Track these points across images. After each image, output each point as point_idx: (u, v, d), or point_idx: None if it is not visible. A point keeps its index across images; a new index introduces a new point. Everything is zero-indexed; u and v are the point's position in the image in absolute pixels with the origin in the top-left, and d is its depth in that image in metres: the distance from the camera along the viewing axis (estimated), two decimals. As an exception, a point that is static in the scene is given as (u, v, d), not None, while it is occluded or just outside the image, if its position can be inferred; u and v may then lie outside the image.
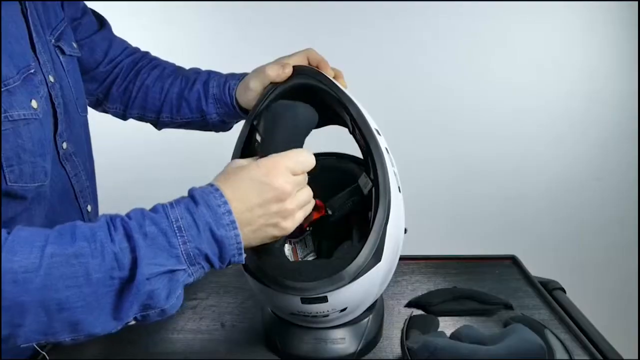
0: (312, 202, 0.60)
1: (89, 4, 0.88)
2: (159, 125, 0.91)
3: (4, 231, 0.48)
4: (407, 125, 1.63)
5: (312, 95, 0.69)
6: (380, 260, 0.61)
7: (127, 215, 0.51)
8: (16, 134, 0.58)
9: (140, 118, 0.91)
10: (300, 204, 0.57)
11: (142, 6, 1.55)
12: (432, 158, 1.72)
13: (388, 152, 0.67)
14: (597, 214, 1.81)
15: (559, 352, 0.66)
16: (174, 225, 0.50)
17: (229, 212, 0.52)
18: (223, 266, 0.54)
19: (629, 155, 1.75)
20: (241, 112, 0.82)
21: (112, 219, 0.50)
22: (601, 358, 0.71)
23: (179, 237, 0.50)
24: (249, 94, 0.77)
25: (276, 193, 0.54)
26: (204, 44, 1.61)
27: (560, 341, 0.69)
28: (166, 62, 0.92)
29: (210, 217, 0.51)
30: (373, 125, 0.67)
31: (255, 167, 0.55)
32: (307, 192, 0.58)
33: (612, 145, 1.75)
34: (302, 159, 0.57)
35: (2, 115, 0.56)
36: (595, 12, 1.63)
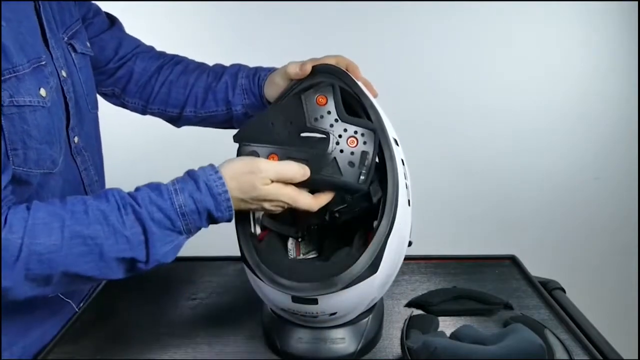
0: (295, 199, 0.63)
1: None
2: (180, 121, 0.92)
3: (23, 207, 0.56)
4: (407, 125, 1.62)
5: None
6: (376, 272, 0.61)
7: (134, 197, 0.59)
8: (22, 119, 0.60)
9: (161, 114, 0.92)
10: (273, 209, 0.64)
11: (143, 6, 1.55)
12: (431, 158, 1.72)
13: (404, 164, 0.67)
14: (597, 214, 1.81)
15: (559, 352, 0.66)
16: (178, 212, 0.59)
17: (228, 199, 0.61)
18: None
19: (629, 155, 1.75)
20: (267, 104, 0.83)
21: (122, 201, 0.58)
22: (601, 358, 0.71)
23: (182, 221, 0.60)
24: (273, 89, 0.79)
25: (255, 194, 0.62)
26: (205, 46, 1.60)
27: (560, 341, 0.69)
28: (188, 58, 0.93)
29: (211, 205, 0.60)
30: (392, 134, 0.67)
31: (243, 168, 0.62)
32: (273, 205, 0.64)
33: (612, 145, 1.75)
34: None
35: (8, 100, 0.59)
36: (596, 12, 1.63)
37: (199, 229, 0.63)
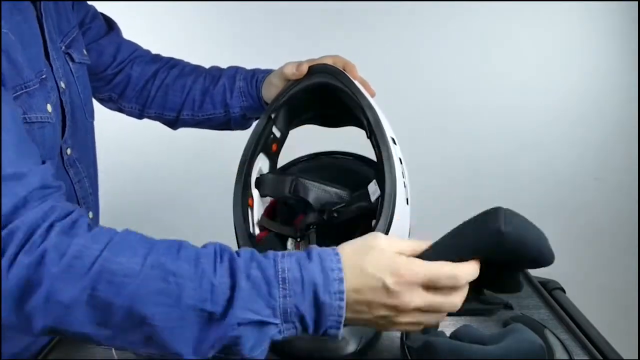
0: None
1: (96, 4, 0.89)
2: (177, 124, 0.92)
3: (112, 230, 0.48)
4: (405, 124, 1.62)
5: (331, 94, 0.69)
6: None
7: (237, 252, 0.50)
8: (30, 136, 0.57)
9: (158, 117, 0.92)
10: (415, 322, 0.51)
11: (142, 6, 1.55)
12: (430, 157, 1.71)
13: (401, 163, 0.67)
14: (597, 214, 1.81)
15: (559, 352, 0.66)
16: (279, 276, 0.47)
17: (341, 280, 0.48)
18: (317, 334, 0.49)
19: (629, 155, 1.75)
20: (265, 106, 0.82)
21: (221, 251, 0.49)
22: (601, 358, 0.71)
23: (280, 289, 0.47)
24: (271, 90, 0.79)
25: (393, 304, 0.48)
26: (203, 47, 1.61)
27: (560, 341, 0.69)
28: (183, 61, 0.93)
29: (319, 279, 0.47)
30: (389, 133, 0.67)
31: (388, 265, 0.48)
32: (433, 317, 0.53)
33: (612, 145, 1.75)
34: (448, 273, 0.50)
35: (22, 117, 0.56)
36: (596, 12, 1.63)
37: (297, 320, 0.48)
